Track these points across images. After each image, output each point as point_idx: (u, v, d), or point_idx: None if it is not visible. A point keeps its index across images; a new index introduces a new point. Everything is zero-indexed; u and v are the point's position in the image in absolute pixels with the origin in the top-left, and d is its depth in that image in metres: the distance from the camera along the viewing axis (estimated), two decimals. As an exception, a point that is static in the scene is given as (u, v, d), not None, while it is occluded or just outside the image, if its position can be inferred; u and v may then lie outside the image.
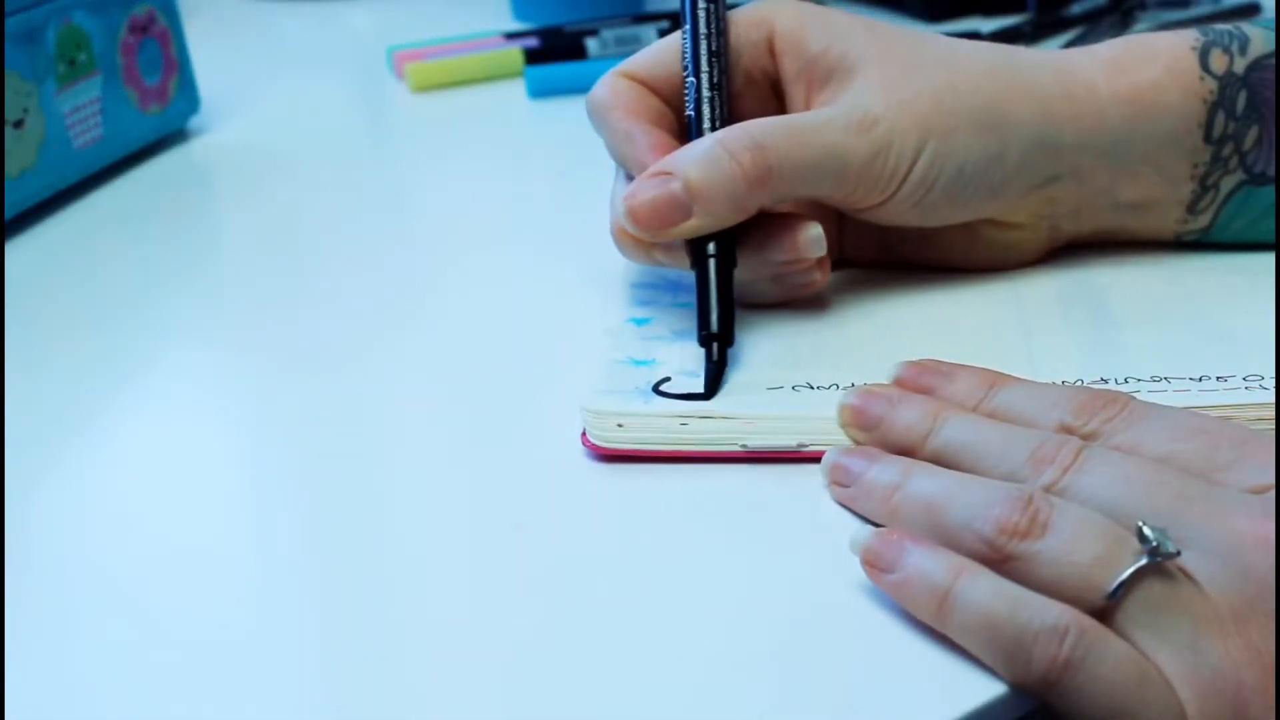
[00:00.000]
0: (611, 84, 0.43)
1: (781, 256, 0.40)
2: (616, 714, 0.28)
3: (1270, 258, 0.43)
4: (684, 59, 0.42)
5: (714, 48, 0.42)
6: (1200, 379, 0.36)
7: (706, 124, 0.41)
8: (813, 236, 0.40)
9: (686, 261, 0.40)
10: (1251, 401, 0.35)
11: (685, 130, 0.42)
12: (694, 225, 0.39)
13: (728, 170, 0.38)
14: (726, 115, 0.41)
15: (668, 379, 0.38)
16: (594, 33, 0.74)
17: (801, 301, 0.43)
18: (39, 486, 0.37)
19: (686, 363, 0.39)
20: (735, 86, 0.43)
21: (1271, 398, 0.35)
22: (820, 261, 0.41)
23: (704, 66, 0.41)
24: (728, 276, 0.40)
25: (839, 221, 0.44)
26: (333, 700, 0.29)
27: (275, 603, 0.32)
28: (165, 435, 0.40)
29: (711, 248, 0.39)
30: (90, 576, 0.33)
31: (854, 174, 0.40)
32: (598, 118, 0.43)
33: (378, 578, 0.33)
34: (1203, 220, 0.44)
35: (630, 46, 0.72)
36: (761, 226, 0.40)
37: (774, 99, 0.43)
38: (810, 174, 0.39)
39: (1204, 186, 0.43)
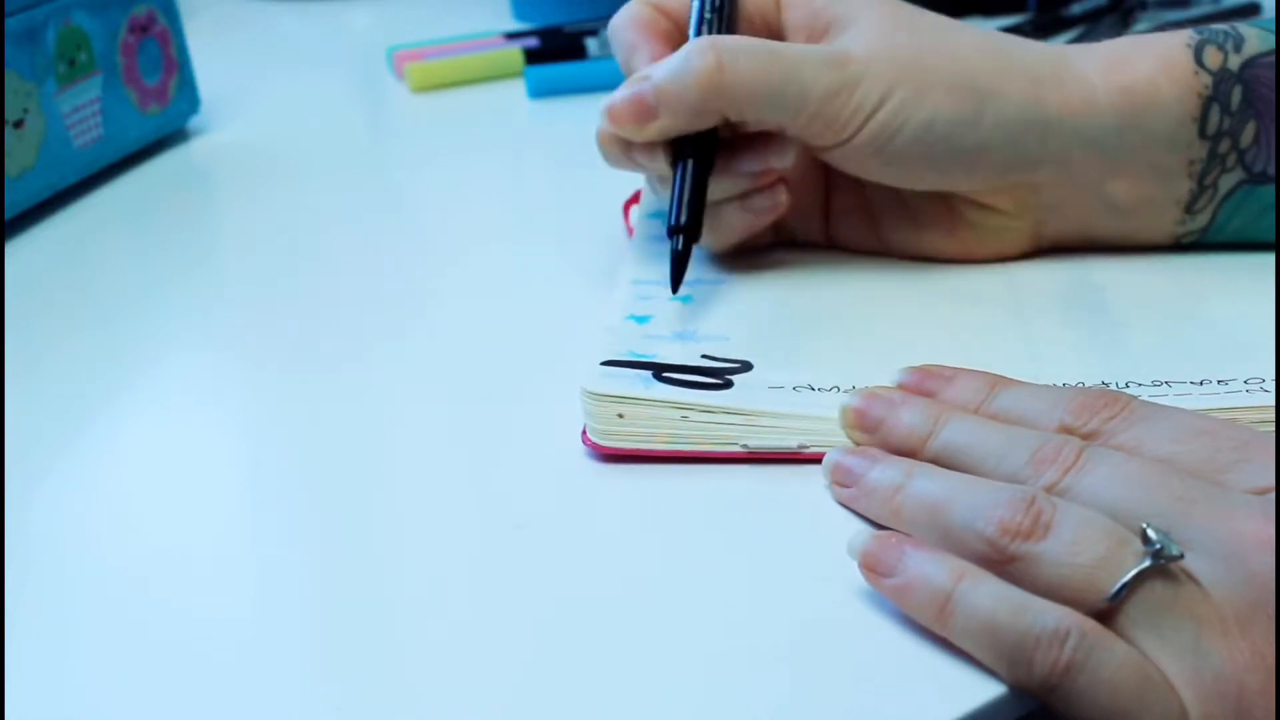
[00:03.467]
0: (631, 8, 0.46)
1: (751, 166, 0.43)
2: (615, 716, 0.28)
3: (1271, 257, 0.43)
4: None
5: None
6: (1201, 382, 0.36)
7: None
8: (780, 147, 0.42)
9: (661, 164, 0.43)
10: (1252, 405, 0.35)
11: None
12: (659, 126, 0.41)
13: (687, 75, 0.41)
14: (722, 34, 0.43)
15: (669, 367, 0.38)
16: (594, 33, 0.74)
17: (803, 302, 0.43)
18: (39, 486, 0.37)
19: (689, 362, 0.39)
20: (739, 33, 0.44)
21: (1272, 400, 0.35)
22: (785, 181, 0.44)
23: None
24: (702, 177, 0.42)
25: (825, 204, 0.45)
26: (332, 700, 0.29)
27: (275, 603, 0.32)
28: (165, 435, 0.40)
29: (690, 150, 0.42)
30: (90, 576, 0.33)
31: (814, 103, 0.41)
32: (614, 35, 0.46)
33: (378, 578, 0.33)
34: (1201, 220, 0.44)
35: (630, 46, 0.72)
36: (733, 141, 0.43)
37: None
38: (767, 94, 0.41)
39: (1201, 185, 0.43)
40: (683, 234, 0.41)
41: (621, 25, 0.45)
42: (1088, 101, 0.42)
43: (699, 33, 0.43)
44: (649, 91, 0.41)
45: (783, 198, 0.44)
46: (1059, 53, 0.43)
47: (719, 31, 0.43)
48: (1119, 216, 0.44)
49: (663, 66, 0.41)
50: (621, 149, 0.43)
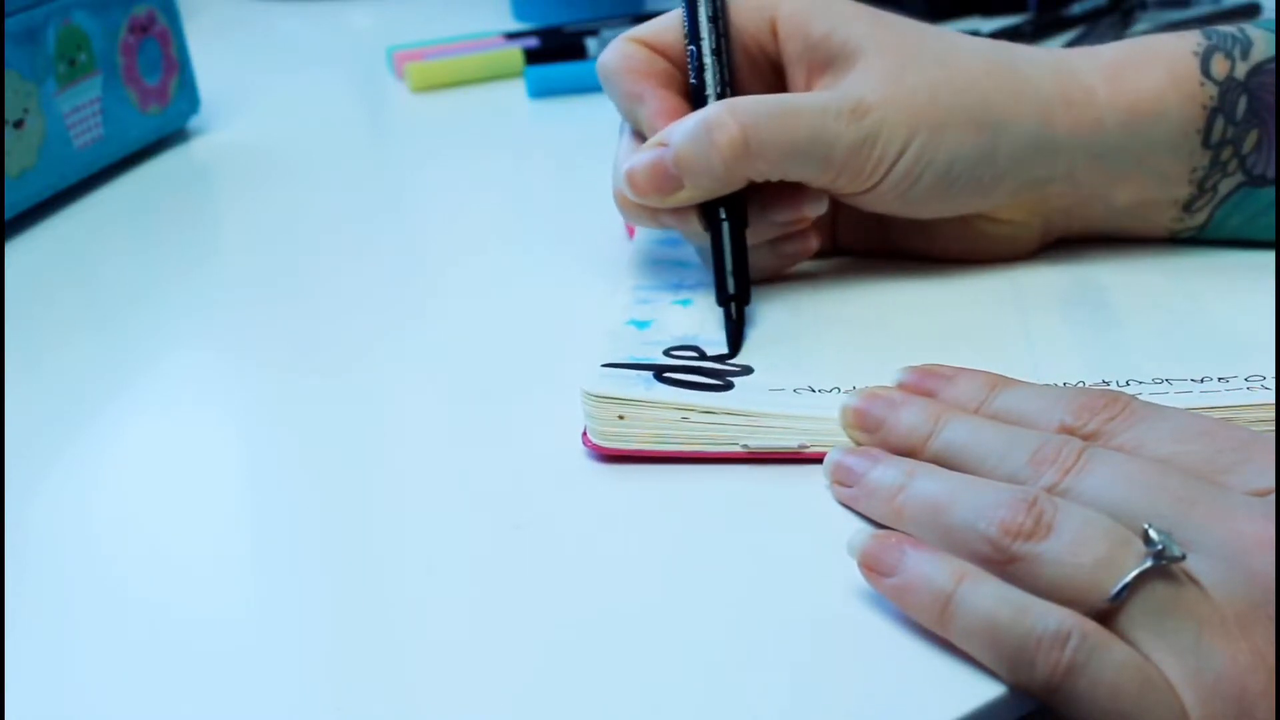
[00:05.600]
0: (620, 48, 0.44)
1: (785, 216, 0.42)
2: (615, 715, 0.28)
3: (1271, 256, 0.43)
4: (684, 27, 0.43)
5: (710, 14, 0.43)
6: (1202, 380, 0.36)
7: (710, 90, 0.42)
8: (814, 195, 0.42)
9: (693, 225, 0.42)
10: (1253, 403, 0.35)
11: (690, 95, 0.43)
12: (686, 195, 0.41)
13: (708, 146, 0.40)
14: (729, 79, 0.42)
15: (669, 369, 0.38)
16: (594, 33, 0.74)
17: (802, 303, 0.43)
18: (39, 487, 0.37)
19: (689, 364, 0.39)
20: (736, 65, 0.44)
21: (1272, 398, 0.35)
22: (815, 226, 0.43)
23: (702, 34, 0.42)
24: (740, 237, 0.41)
25: (834, 209, 0.45)
26: (332, 700, 0.29)
27: (275, 603, 0.32)
28: (165, 435, 0.40)
29: (722, 212, 0.41)
30: (90, 576, 0.33)
31: (839, 159, 0.40)
32: (608, 80, 0.44)
33: (379, 578, 0.33)
34: (1198, 219, 0.44)
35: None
36: (765, 189, 0.42)
37: (775, 81, 0.44)
38: (792, 155, 0.40)
39: (1201, 189, 0.43)
40: (736, 302, 0.40)
41: (616, 70, 0.43)
42: (1095, 121, 0.42)
43: (699, 79, 0.42)
44: (670, 163, 0.40)
45: (812, 243, 0.43)
46: (1064, 67, 0.42)
47: (722, 76, 0.42)
48: (1121, 216, 0.44)
49: (680, 133, 0.40)
50: (649, 213, 0.42)
